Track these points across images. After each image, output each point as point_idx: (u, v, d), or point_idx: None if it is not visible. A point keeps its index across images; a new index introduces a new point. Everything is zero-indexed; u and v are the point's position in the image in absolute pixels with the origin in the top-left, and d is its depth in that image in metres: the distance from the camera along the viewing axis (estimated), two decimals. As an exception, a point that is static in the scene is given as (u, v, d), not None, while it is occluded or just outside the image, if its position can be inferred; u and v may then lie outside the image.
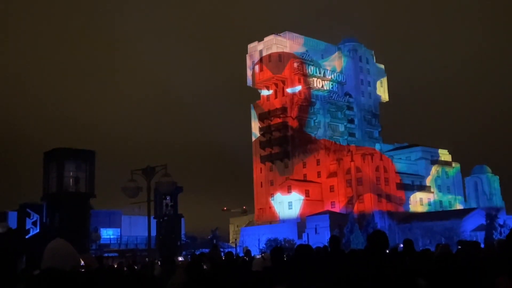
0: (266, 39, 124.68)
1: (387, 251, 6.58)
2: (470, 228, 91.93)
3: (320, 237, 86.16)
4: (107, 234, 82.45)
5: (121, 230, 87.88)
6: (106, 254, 64.68)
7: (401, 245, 17.06)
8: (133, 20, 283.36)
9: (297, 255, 7.51)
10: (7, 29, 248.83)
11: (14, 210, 55.77)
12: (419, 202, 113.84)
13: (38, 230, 42.32)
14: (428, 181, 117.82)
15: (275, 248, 8.49)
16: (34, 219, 42.94)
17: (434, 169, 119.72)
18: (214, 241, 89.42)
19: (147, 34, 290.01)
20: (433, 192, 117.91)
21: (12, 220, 55.43)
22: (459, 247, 13.28)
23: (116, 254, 70.53)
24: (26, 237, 42.31)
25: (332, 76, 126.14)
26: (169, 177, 17.34)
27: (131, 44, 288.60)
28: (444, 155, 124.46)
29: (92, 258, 19.16)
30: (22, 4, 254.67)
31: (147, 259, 24.14)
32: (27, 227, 43.08)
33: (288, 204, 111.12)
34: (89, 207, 42.49)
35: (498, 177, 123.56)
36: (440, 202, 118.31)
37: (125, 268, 22.55)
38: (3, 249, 5.03)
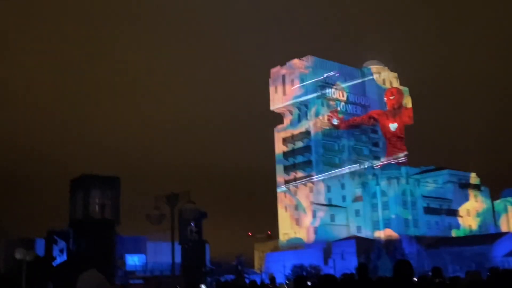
0: (288, 63, 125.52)
1: (416, 279, 6.46)
2: (502, 253, 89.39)
3: (346, 263, 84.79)
4: (133, 260, 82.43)
5: (147, 257, 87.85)
6: (131, 281, 64.73)
7: (430, 273, 16.65)
8: (155, 44, 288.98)
9: (321, 284, 7.44)
10: (30, 51, 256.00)
11: (41, 237, 56.47)
12: (447, 226, 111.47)
13: (65, 258, 42.76)
14: (456, 205, 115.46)
15: (298, 277, 8.48)
16: (61, 246, 43.44)
17: (462, 193, 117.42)
18: (239, 267, 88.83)
19: (170, 58, 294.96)
20: (461, 216, 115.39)
21: (40, 247, 56.15)
22: (489, 274, 12.90)
23: (141, 281, 70.51)
24: (53, 264, 42.75)
25: (356, 99, 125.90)
26: (193, 204, 17.44)
27: (154, 68, 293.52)
28: (472, 178, 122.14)
29: None
30: (46, 26, 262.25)
31: None
32: (54, 254, 43.58)
33: (313, 229, 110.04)
34: (114, 233, 42.80)
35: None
36: (470, 226, 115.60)
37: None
38: (32, 278, 5.15)
